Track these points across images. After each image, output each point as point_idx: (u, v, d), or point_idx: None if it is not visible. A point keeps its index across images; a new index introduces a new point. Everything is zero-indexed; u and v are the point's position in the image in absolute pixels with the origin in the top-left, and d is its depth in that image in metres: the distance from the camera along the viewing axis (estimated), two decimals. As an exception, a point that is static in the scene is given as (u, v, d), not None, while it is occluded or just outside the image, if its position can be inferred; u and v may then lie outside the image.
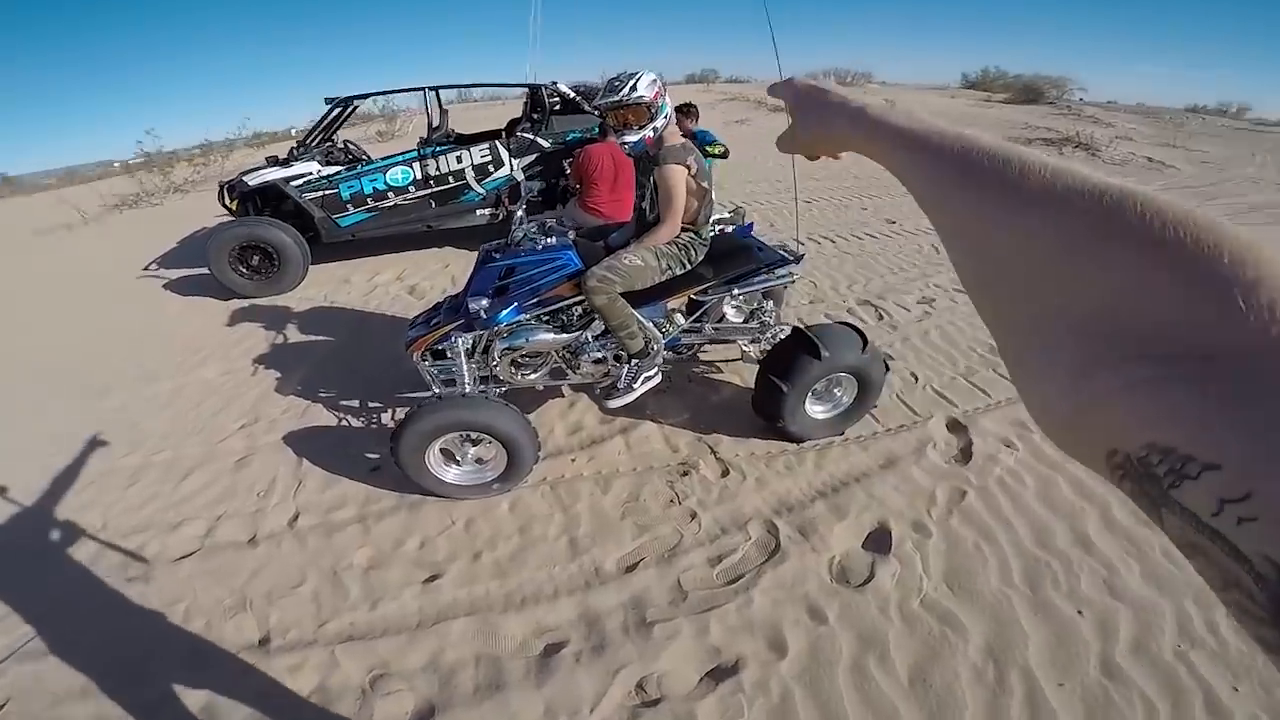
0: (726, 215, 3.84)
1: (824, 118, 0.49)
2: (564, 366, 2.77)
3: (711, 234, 2.71)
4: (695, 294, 2.66)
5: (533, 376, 2.80)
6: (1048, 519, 2.37)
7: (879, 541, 2.31)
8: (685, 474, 2.69)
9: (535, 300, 2.55)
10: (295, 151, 5.33)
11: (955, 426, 2.97)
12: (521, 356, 2.74)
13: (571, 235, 2.73)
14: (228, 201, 5.26)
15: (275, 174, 5.07)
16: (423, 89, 5.24)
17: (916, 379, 3.38)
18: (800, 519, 2.43)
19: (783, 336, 2.84)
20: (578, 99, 5.41)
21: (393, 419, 3.23)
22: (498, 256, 2.58)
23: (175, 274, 6.07)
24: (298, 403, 3.50)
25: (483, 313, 2.48)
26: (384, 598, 2.24)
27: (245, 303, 5.01)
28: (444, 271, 5.19)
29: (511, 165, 5.20)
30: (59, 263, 7.26)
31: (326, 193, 5.08)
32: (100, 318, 5.20)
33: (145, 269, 6.38)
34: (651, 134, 2.37)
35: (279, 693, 1.93)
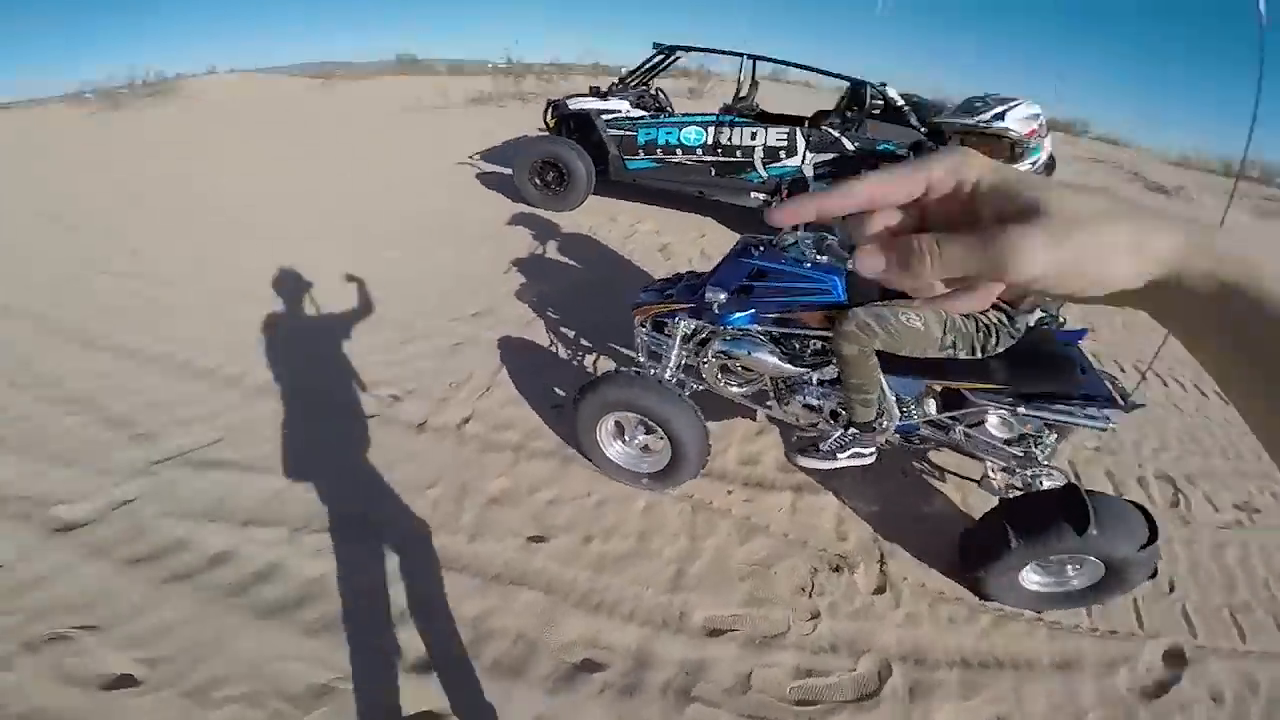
0: (1051, 313, 3.11)
1: (1099, 238, 0.29)
2: (772, 395, 2.47)
3: (1028, 325, 2.15)
4: (969, 389, 2.14)
5: (735, 390, 2.54)
6: None
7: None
8: (837, 569, 2.32)
9: (776, 316, 2.27)
10: (613, 88, 5.59)
11: (1174, 658, 2.24)
12: (734, 365, 2.48)
13: (850, 264, 2.37)
14: (548, 119, 5.73)
15: (591, 104, 5.39)
16: (742, 55, 5.13)
17: (1172, 589, 2.54)
18: (921, 677, 1.99)
19: (1047, 485, 2.26)
20: (905, 108, 4.87)
21: (594, 367, 3.28)
22: (756, 253, 2.27)
23: (488, 168, 6.87)
24: (528, 313, 3.74)
25: (716, 306, 2.26)
26: (486, 535, 2.28)
27: (529, 210, 5.50)
28: (698, 240, 5.15)
29: (804, 158, 4.90)
30: (413, 139, 8.65)
31: (626, 133, 5.27)
32: (413, 193, 6.09)
33: (470, 158, 7.30)
34: None
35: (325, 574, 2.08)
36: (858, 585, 2.28)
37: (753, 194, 5.13)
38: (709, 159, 5.12)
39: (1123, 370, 4.25)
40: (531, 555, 2.21)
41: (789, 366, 2.31)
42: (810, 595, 2.20)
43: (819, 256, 2.24)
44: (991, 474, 2.38)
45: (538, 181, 5.43)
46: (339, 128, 8.80)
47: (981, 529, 2.22)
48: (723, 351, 2.37)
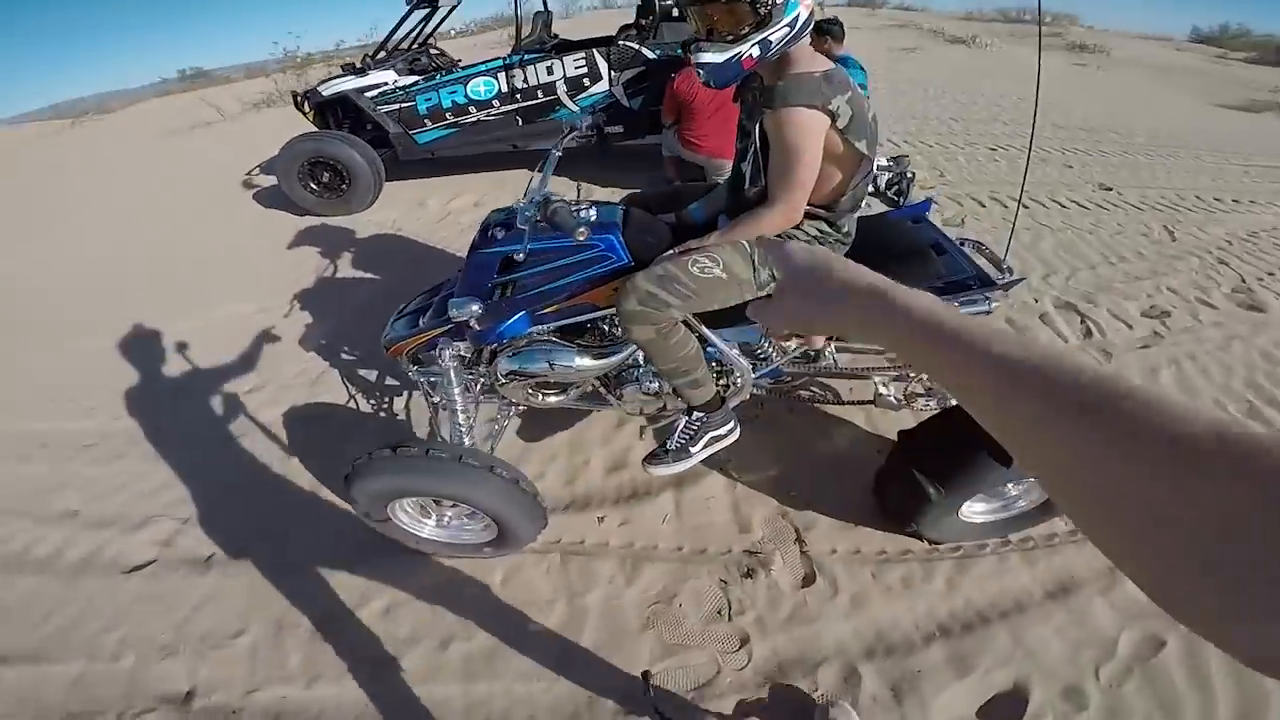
0: (884, 164, 2.67)
1: (825, 306, 0.45)
2: (602, 391, 1.92)
3: (857, 216, 1.71)
4: None
5: (555, 400, 1.95)
6: None
7: (1003, 715, 1.45)
8: (749, 574, 1.80)
9: (552, 308, 1.68)
10: (367, 60, 4.65)
11: None
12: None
13: (620, 212, 1.73)
14: (306, 111, 4.73)
15: (348, 84, 4.45)
16: None
17: None
18: (900, 669, 1.55)
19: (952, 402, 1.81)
20: None
21: (407, 410, 2.53)
22: (499, 237, 1.68)
23: (268, 182, 5.71)
24: (315, 364, 2.90)
25: (472, 323, 1.62)
26: (324, 676, 1.58)
27: (315, 221, 4.53)
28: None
29: (611, 79, 4.26)
30: (178, 164, 7.21)
31: (403, 105, 4.40)
32: (175, 229, 4.91)
33: (248, 174, 6.09)
34: (757, 51, 1.43)
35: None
36: (780, 584, 1.78)
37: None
38: (509, 108, 4.37)
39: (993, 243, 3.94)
40: (385, 686, 1.58)
41: (602, 361, 1.78)
42: (730, 618, 1.69)
43: (581, 213, 1.67)
44: (884, 388, 2.02)
45: (314, 186, 4.46)
46: (66, 179, 7.13)
47: (892, 482, 1.82)
48: (512, 372, 1.78)
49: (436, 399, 1.94)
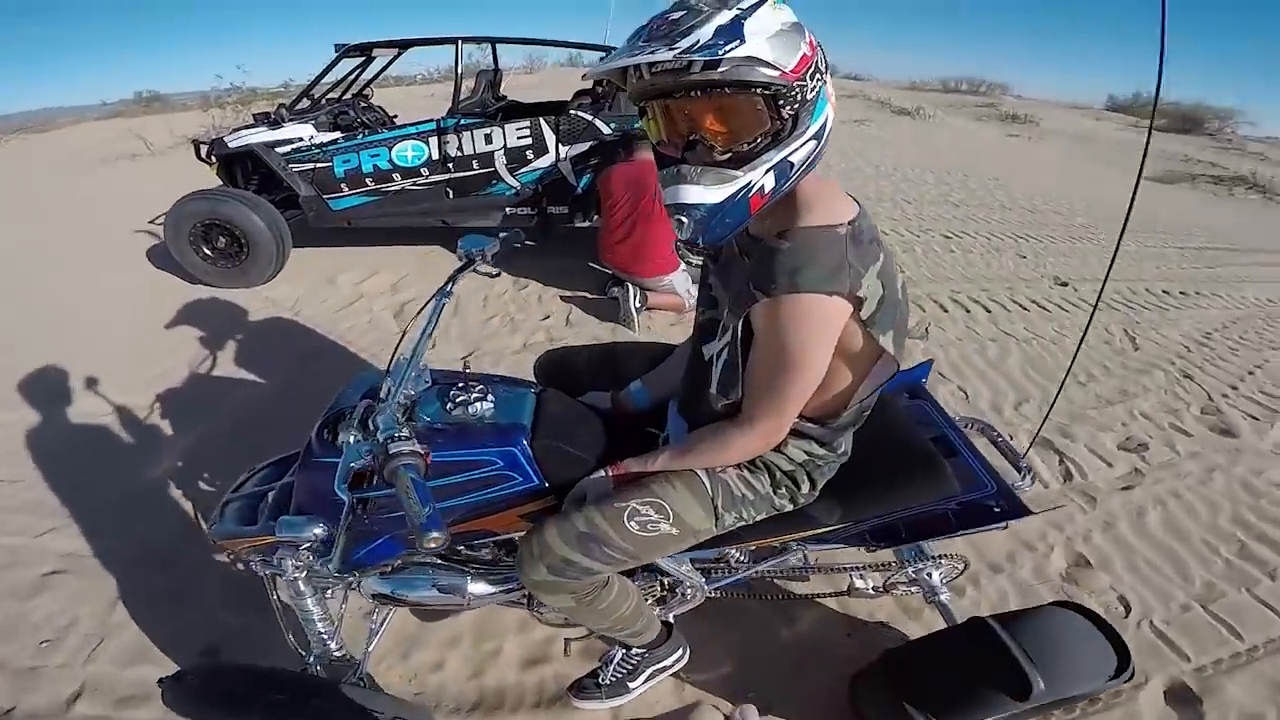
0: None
1: None
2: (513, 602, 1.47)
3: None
4: (793, 540, 1.34)
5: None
6: None
7: None
8: None
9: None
10: (283, 109, 4.10)
11: (1182, 696, 1.73)
12: None
13: (532, 401, 1.28)
14: (210, 162, 4.15)
15: (258, 136, 3.91)
16: (457, 40, 3.93)
17: (1127, 610, 2.00)
18: None
19: (943, 595, 1.59)
20: None
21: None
22: (353, 441, 1.06)
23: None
24: (164, 494, 2.33)
25: (311, 552, 1.15)
26: None
27: (206, 293, 3.90)
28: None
29: (558, 153, 3.87)
30: (80, 201, 6.38)
31: (318, 165, 3.89)
32: (44, 282, 4.19)
33: (151, 222, 5.37)
34: (770, 182, 0.91)
35: None
36: None
37: (508, 210, 4.02)
38: (439, 179, 3.92)
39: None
40: None
41: (503, 587, 1.37)
42: None
43: (477, 400, 1.23)
44: (859, 580, 1.73)
45: (207, 252, 3.85)
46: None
47: (874, 703, 1.51)
48: (383, 595, 1.34)
49: (284, 598, 1.36)
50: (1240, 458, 2.84)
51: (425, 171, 3.89)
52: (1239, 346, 3.98)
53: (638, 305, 3.25)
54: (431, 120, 3.88)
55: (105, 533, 2.14)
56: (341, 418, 1.14)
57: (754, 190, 0.90)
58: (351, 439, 1.02)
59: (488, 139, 3.82)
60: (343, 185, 3.90)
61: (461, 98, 4.11)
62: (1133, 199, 1.44)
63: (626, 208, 3.30)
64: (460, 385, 1.24)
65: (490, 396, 1.23)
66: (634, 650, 1.44)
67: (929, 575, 1.61)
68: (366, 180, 3.89)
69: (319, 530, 1.11)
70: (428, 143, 3.84)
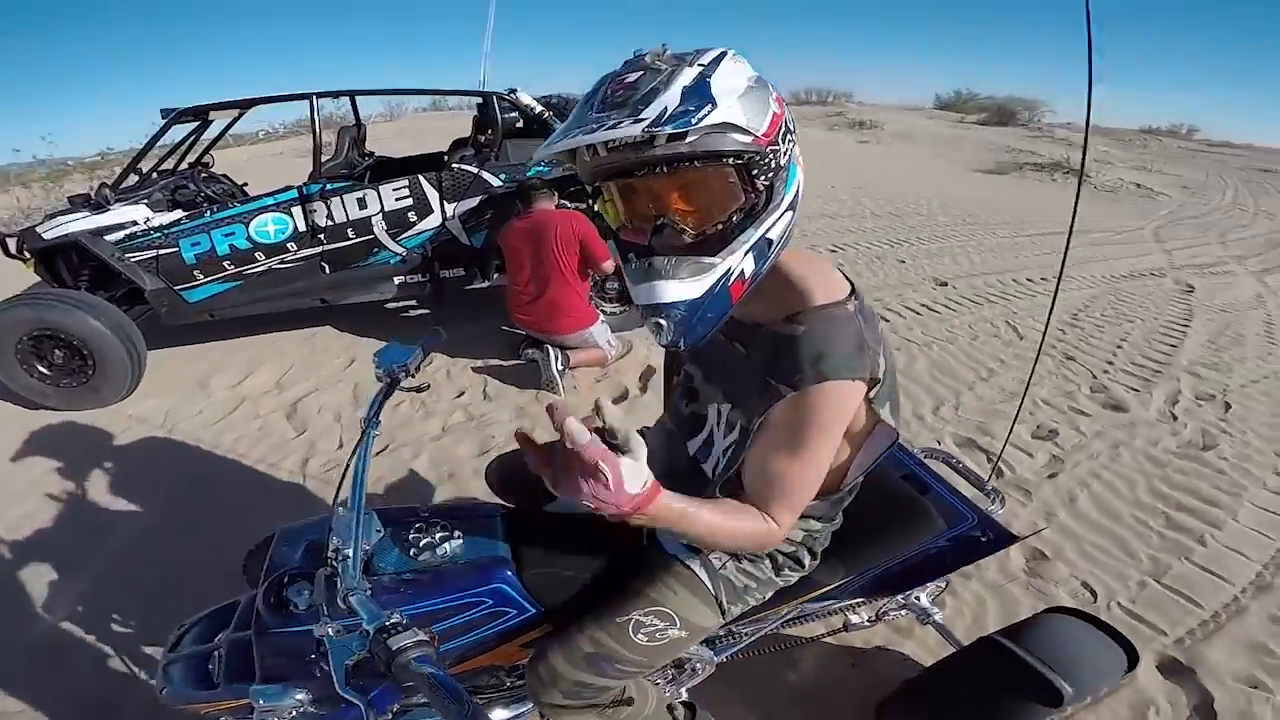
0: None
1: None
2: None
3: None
4: (799, 603, 1.30)
5: None
6: None
7: None
8: None
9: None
10: (105, 189, 3.49)
11: (1173, 669, 1.85)
12: None
13: (502, 525, 1.18)
14: (24, 259, 3.46)
15: (79, 223, 3.32)
16: (311, 96, 3.52)
17: (1094, 595, 2.10)
18: None
19: (928, 604, 1.65)
20: (549, 116, 3.83)
21: None
22: (301, 604, 1.03)
23: None
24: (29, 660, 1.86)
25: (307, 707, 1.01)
26: None
27: (53, 418, 3.21)
28: (345, 372, 3.49)
29: (444, 212, 3.60)
30: None
31: (162, 252, 3.37)
32: None
33: None
34: (750, 265, 0.81)
35: None
36: None
37: (395, 279, 3.68)
38: (311, 253, 3.53)
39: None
40: None
41: (509, 710, 1.29)
42: None
43: (441, 541, 1.12)
44: (853, 615, 1.70)
45: (42, 371, 3.20)
46: None
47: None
48: None
49: None
50: (1136, 431, 3.08)
51: (293, 246, 3.48)
52: (1103, 323, 4.38)
53: (560, 367, 3.04)
54: (291, 188, 3.48)
55: (29, 690, 1.77)
56: (288, 581, 1.05)
57: (735, 277, 0.80)
58: (331, 632, 0.87)
59: (361, 203, 3.49)
60: (196, 272, 3.41)
61: (324, 158, 3.73)
62: (1074, 209, 1.48)
63: (532, 263, 3.11)
64: (418, 526, 1.13)
65: (457, 533, 1.13)
66: None
67: (918, 599, 1.64)
68: (224, 264, 3.42)
69: (300, 696, 1.00)
70: (290, 214, 3.45)
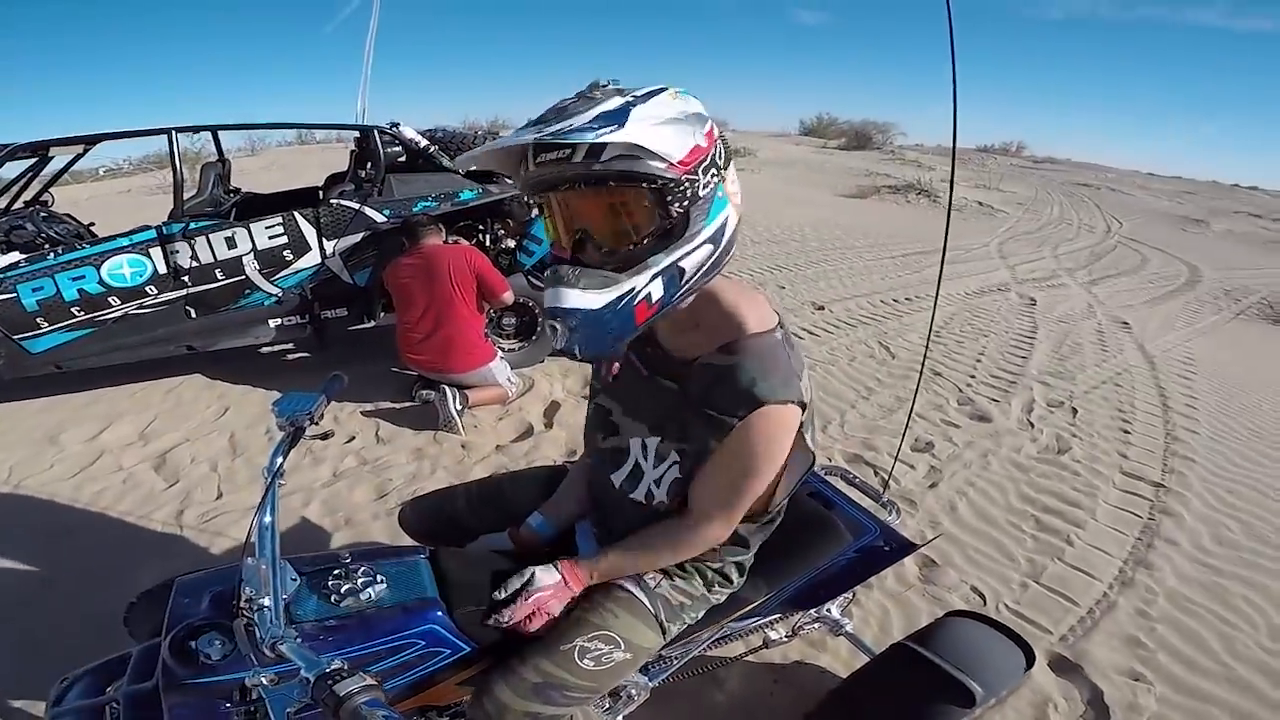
0: None
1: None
2: None
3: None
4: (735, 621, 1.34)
5: None
6: None
7: None
8: None
9: None
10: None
11: (1062, 666, 2.01)
12: None
13: (425, 568, 1.16)
14: None
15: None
16: (170, 130, 3.29)
17: (984, 598, 2.29)
18: None
19: (839, 614, 1.77)
20: (432, 149, 3.76)
21: None
22: (215, 655, 0.98)
23: None
24: None
25: None
26: None
27: None
28: (218, 422, 3.22)
29: (323, 250, 3.45)
30: None
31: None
32: None
33: None
34: (658, 290, 0.84)
35: None
36: None
37: (270, 323, 3.47)
38: (174, 296, 3.27)
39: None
40: None
41: None
42: None
43: (368, 583, 1.10)
44: (771, 632, 1.75)
45: None
46: None
47: None
48: None
49: None
50: (1001, 439, 3.41)
51: (153, 290, 3.21)
52: (962, 339, 4.86)
53: (459, 407, 2.98)
54: (149, 227, 3.21)
55: None
56: (195, 632, 0.99)
57: (639, 298, 0.83)
58: (265, 681, 0.85)
59: (230, 243, 3.27)
60: (39, 320, 3.06)
61: (185, 196, 3.47)
62: (944, 243, 1.64)
63: (423, 301, 3.04)
64: (337, 572, 1.10)
65: (379, 577, 1.10)
66: None
67: (829, 611, 1.73)
68: (73, 310, 3.10)
69: None
70: (149, 255, 3.17)
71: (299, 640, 0.87)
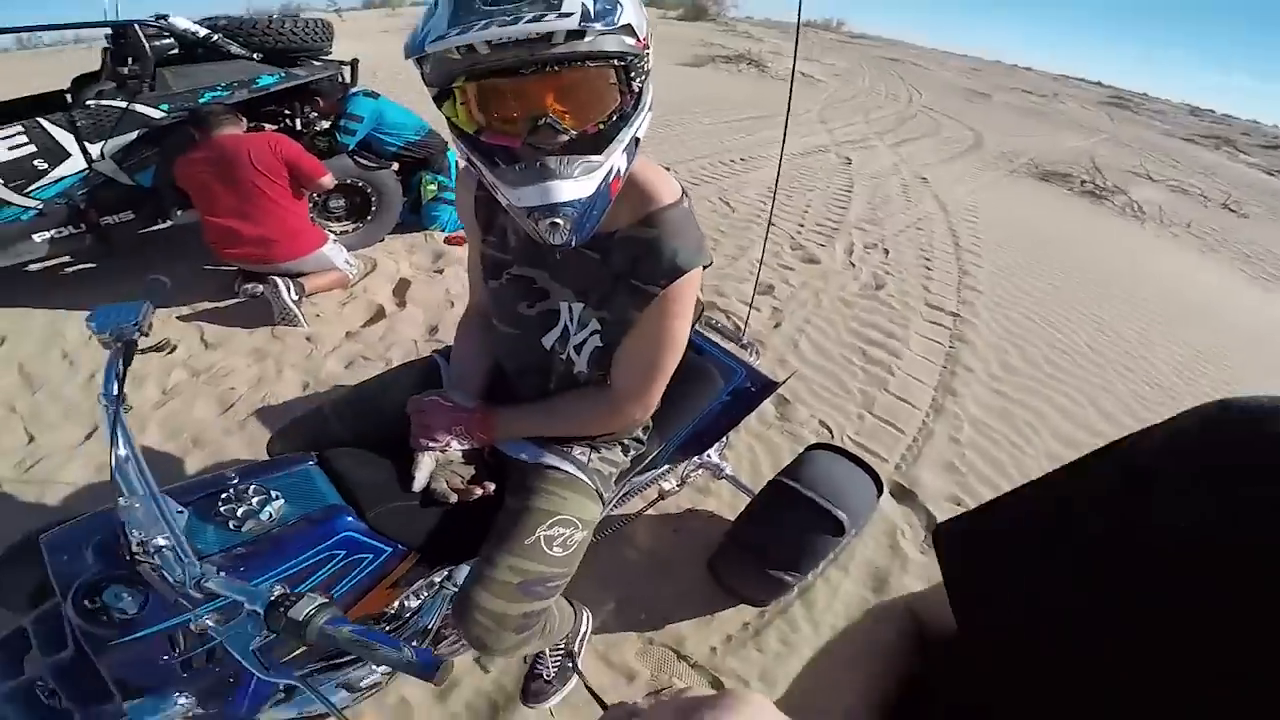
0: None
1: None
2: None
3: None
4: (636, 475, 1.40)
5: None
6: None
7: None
8: None
9: (298, 652, 1.04)
10: None
11: (900, 493, 2.29)
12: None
13: (320, 477, 1.09)
14: None
15: None
16: None
17: (830, 431, 2.55)
18: None
19: (721, 462, 1.90)
20: (216, 38, 3.21)
21: None
22: (130, 609, 0.87)
23: None
24: None
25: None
26: None
27: None
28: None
29: (88, 155, 2.92)
30: None
31: None
32: None
33: None
34: (624, 163, 0.83)
35: None
36: None
37: (35, 237, 2.95)
38: (-104, 223, 2.66)
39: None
40: None
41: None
42: None
43: (265, 504, 1.00)
44: (665, 483, 1.86)
45: None
46: None
47: (743, 575, 1.80)
48: None
49: None
50: (829, 279, 3.75)
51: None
52: (790, 193, 5.16)
53: (295, 297, 2.74)
54: None
55: None
56: (93, 589, 0.87)
57: (614, 174, 0.83)
58: (211, 623, 0.78)
59: (-38, 156, 2.68)
60: None
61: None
62: (789, 98, 1.67)
63: (226, 195, 2.71)
64: (225, 496, 0.99)
65: (273, 492, 1.00)
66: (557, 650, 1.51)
67: (710, 456, 1.85)
68: None
69: (183, 701, 0.88)
70: None
71: (221, 574, 0.79)
